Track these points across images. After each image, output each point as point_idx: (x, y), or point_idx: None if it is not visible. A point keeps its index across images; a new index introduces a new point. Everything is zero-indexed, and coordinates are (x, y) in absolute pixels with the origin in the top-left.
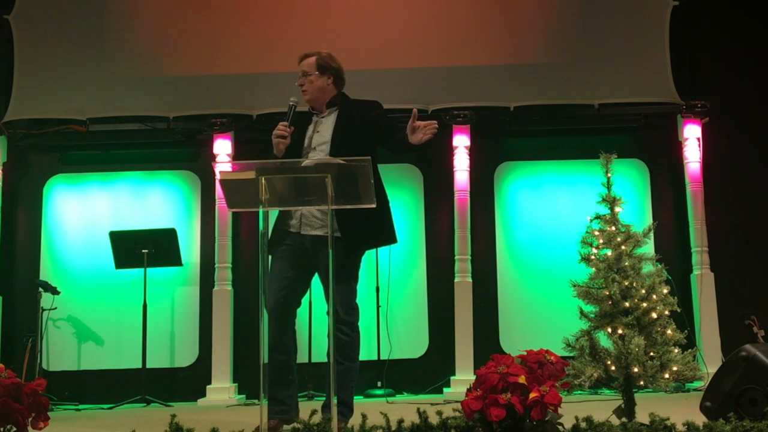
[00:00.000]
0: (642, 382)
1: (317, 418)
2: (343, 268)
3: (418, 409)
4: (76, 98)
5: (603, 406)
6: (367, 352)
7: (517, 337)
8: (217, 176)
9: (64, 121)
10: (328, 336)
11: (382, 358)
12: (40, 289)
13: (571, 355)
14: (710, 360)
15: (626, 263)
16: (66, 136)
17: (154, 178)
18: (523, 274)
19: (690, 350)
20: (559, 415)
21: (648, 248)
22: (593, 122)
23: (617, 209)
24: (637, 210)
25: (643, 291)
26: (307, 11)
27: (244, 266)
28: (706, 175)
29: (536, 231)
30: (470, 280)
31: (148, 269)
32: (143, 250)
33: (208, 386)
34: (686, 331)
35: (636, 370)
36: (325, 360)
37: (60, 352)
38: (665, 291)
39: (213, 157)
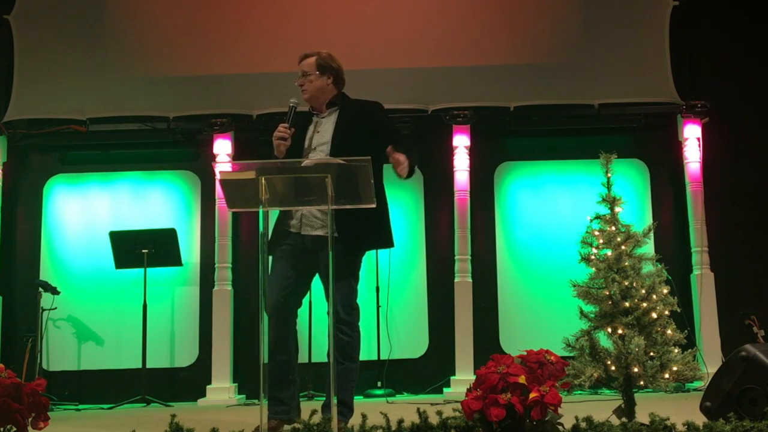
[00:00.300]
0: (642, 382)
1: (317, 418)
2: (343, 268)
3: (418, 409)
4: (76, 98)
5: (603, 406)
6: (367, 352)
7: (517, 337)
8: (217, 176)
9: (64, 121)
10: (329, 336)
11: (382, 358)
12: (40, 289)
13: (571, 355)
14: (710, 360)
15: (626, 263)
16: (66, 136)
17: (154, 178)
18: (523, 274)
19: (690, 350)
20: (559, 415)
21: (648, 248)
22: (593, 122)
23: (617, 209)
24: (637, 210)
25: (643, 291)
26: (307, 11)
27: (244, 266)
28: (706, 175)
29: (536, 231)
30: (470, 280)
31: (148, 269)
32: (143, 250)
33: (208, 386)
34: (686, 331)
35: (636, 370)
36: (326, 360)
37: (60, 352)
38: (665, 291)
39: (213, 157)
